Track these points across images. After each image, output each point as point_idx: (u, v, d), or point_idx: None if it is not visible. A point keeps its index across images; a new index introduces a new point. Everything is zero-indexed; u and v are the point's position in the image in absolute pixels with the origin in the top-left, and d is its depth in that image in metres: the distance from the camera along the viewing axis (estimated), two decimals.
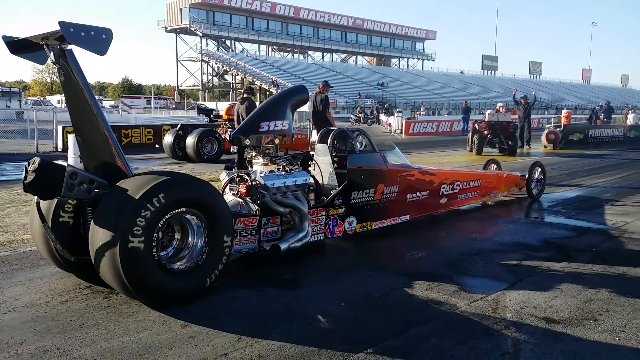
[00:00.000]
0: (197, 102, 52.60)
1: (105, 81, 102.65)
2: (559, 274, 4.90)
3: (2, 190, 9.13)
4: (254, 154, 5.37)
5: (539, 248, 5.81)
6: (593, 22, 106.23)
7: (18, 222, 6.65)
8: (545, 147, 19.86)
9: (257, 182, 5.02)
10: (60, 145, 16.22)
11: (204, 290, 4.12)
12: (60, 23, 3.49)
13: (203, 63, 66.86)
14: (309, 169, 5.86)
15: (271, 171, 5.22)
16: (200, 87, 69.35)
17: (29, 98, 56.83)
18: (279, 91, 7.38)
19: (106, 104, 59.60)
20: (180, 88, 72.56)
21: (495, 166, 9.32)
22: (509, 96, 35.52)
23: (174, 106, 57.56)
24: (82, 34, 3.60)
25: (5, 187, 9.15)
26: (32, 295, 4.13)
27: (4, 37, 3.97)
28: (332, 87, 12.08)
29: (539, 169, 8.94)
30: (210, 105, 44.39)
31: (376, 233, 6.12)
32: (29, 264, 4.96)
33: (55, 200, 4.25)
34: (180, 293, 3.98)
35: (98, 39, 3.69)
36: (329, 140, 5.87)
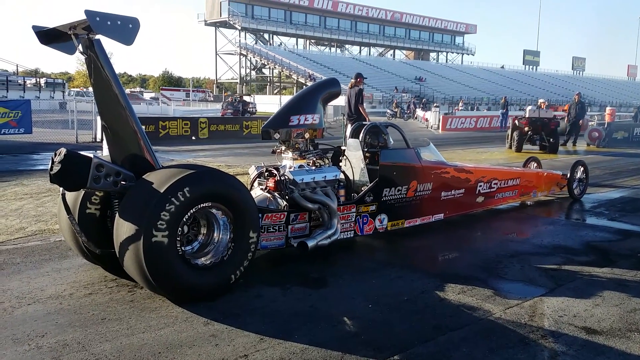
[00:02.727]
0: (235, 96, 53.06)
1: (147, 73, 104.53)
2: (600, 280, 4.63)
3: (39, 178, 9.30)
4: (283, 148, 5.25)
5: (579, 252, 5.53)
6: None
7: (52, 212, 6.70)
8: (588, 145, 19.24)
9: (286, 177, 4.90)
10: (99, 136, 16.49)
11: (228, 287, 4.04)
12: (87, 12, 3.43)
13: (241, 56, 67.29)
14: (340, 164, 5.72)
15: (300, 166, 5.10)
16: (238, 81, 69.85)
17: (72, 89, 58.20)
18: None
19: (147, 96, 60.67)
20: (218, 81, 73.28)
21: (535, 164, 8.98)
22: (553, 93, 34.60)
23: (212, 99, 58.20)
24: (109, 23, 3.53)
25: (43, 176, 9.29)
26: (58, 287, 4.12)
27: (34, 27, 3.93)
28: (366, 78, 11.70)
29: (582, 168, 8.58)
30: (247, 98, 44.64)
31: (408, 232, 5.94)
32: (58, 254, 4.97)
33: (83, 191, 4.22)
34: (204, 289, 3.90)
35: (125, 29, 3.62)
36: (361, 135, 5.71)
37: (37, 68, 69.71)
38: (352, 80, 10.99)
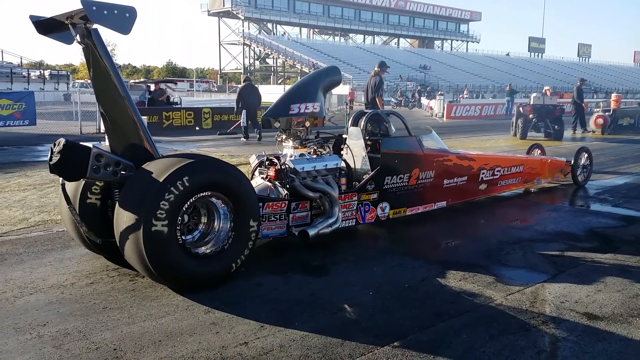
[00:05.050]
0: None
1: (151, 64, 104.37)
2: (603, 266, 4.62)
3: (43, 170, 9.32)
4: (284, 136, 5.24)
5: (582, 238, 5.51)
6: None
7: (55, 202, 6.72)
8: (594, 131, 19.10)
9: (287, 165, 4.89)
10: (102, 127, 16.49)
11: (229, 276, 4.04)
12: (83, 1, 3.41)
13: (245, 46, 67.12)
14: (341, 152, 5.70)
15: (301, 155, 5.09)
16: (242, 71, 69.70)
17: (76, 81, 58.15)
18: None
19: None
20: (222, 71, 73.15)
21: (539, 151, 8.94)
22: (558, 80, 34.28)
23: (215, 89, 58.10)
24: (105, 12, 3.51)
25: (47, 167, 9.27)
26: (60, 277, 4.14)
27: (31, 17, 3.92)
28: (389, 67, 11.45)
29: (586, 155, 8.53)
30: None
31: (410, 219, 5.93)
32: (60, 244, 4.99)
33: (83, 181, 4.23)
34: (205, 278, 3.90)
35: (122, 18, 3.60)
36: (362, 123, 5.69)
37: (41, 60, 69.81)
38: (376, 69, 10.90)
